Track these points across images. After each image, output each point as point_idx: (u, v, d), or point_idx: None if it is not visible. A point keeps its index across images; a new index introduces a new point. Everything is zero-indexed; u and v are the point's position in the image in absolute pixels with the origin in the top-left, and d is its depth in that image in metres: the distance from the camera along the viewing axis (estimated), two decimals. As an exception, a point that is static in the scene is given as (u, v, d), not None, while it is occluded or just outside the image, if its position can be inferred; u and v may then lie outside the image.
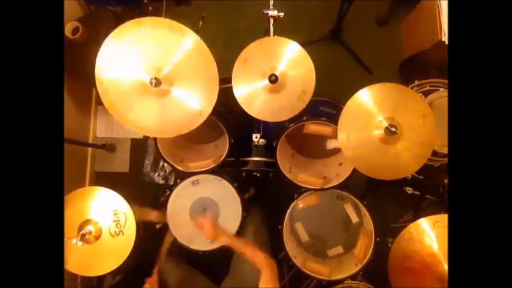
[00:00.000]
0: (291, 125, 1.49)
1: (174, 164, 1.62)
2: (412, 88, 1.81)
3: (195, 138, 1.78)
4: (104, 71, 1.17)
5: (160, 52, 1.20)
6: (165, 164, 2.29)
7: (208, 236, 1.33)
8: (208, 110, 1.24)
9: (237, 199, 1.64)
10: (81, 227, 1.34)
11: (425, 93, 1.75)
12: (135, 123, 1.23)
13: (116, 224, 1.38)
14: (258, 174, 1.80)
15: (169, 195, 1.65)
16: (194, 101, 1.24)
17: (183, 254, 1.64)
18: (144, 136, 2.38)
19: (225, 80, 1.34)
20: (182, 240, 1.61)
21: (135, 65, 1.19)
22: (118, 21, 1.94)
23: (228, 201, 1.69)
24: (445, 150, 1.64)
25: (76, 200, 1.38)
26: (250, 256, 1.25)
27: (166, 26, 1.20)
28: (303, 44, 1.30)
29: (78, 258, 1.34)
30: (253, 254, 1.25)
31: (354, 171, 1.48)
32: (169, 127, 1.26)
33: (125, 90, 1.20)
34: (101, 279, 1.92)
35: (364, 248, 1.61)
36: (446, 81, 1.77)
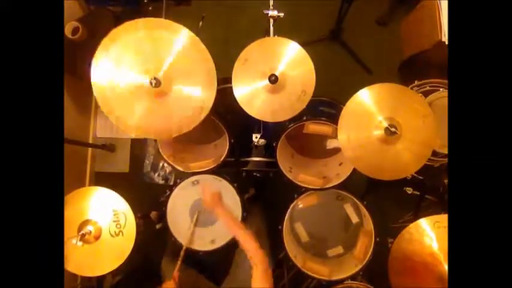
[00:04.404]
0: (291, 125, 1.49)
1: (174, 164, 1.62)
2: (412, 88, 1.81)
3: (195, 139, 1.78)
4: (100, 76, 1.19)
5: (155, 51, 1.20)
6: (165, 164, 2.29)
7: (205, 203, 1.41)
8: (209, 103, 1.22)
9: (237, 199, 1.64)
10: (81, 227, 1.34)
11: (425, 93, 1.75)
12: (136, 128, 1.23)
13: (116, 224, 1.38)
14: (258, 174, 1.80)
15: (169, 195, 1.64)
16: (194, 97, 1.23)
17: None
18: (144, 136, 2.39)
19: (225, 80, 1.34)
20: (182, 240, 1.61)
21: (132, 67, 1.19)
22: (118, 21, 1.94)
23: (228, 202, 1.68)
24: (445, 151, 1.64)
25: (76, 200, 1.38)
26: (244, 244, 1.25)
27: (161, 26, 1.20)
28: (303, 44, 1.31)
29: (78, 258, 1.34)
30: (248, 244, 1.24)
31: (354, 171, 1.48)
32: (171, 126, 1.25)
33: (123, 94, 1.20)
34: (101, 279, 1.92)
35: (364, 248, 1.61)
36: (446, 81, 1.76)
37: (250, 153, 1.77)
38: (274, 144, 1.54)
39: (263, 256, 1.19)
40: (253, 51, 1.32)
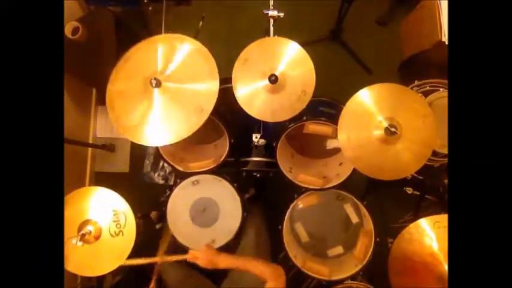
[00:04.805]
0: (291, 125, 1.49)
1: (174, 165, 1.62)
2: (412, 88, 1.81)
3: (195, 139, 1.78)
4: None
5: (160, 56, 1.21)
6: (165, 164, 2.29)
7: (205, 265, 1.32)
8: (210, 107, 1.23)
9: (237, 199, 1.64)
10: (80, 227, 1.34)
11: (425, 93, 1.75)
12: (138, 134, 1.23)
13: (116, 224, 1.37)
14: (258, 175, 1.80)
15: (169, 195, 1.64)
16: (195, 100, 1.23)
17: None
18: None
19: (225, 80, 1.34)
20: (182, 240, 1.61)
21: (136, 72, 1.20)
22: (118, 21, 1.95)
23: (228, 201, 1.69)
24: (445, 151, 1.64)
25: (76, 200, 1.38)
26: (254, 271, 1.25)
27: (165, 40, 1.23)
28: (303, 44, 1.31)
29: (78, 258, 1.34)
30: (258, 268, 1.25)
31: (354, 171, 1.48)
32: (172, 131, 1.27)
33: (127, 99, 1.21)
34: (101, 279, 1.92)
35: (364, 248, 1.61)
36: (446, 81, 1.76)
37: (250, 153, 1.76)
38: (274, 144, 1.54)
39: (274, 270, 1.21)
40: (253, 51, 1.32)
